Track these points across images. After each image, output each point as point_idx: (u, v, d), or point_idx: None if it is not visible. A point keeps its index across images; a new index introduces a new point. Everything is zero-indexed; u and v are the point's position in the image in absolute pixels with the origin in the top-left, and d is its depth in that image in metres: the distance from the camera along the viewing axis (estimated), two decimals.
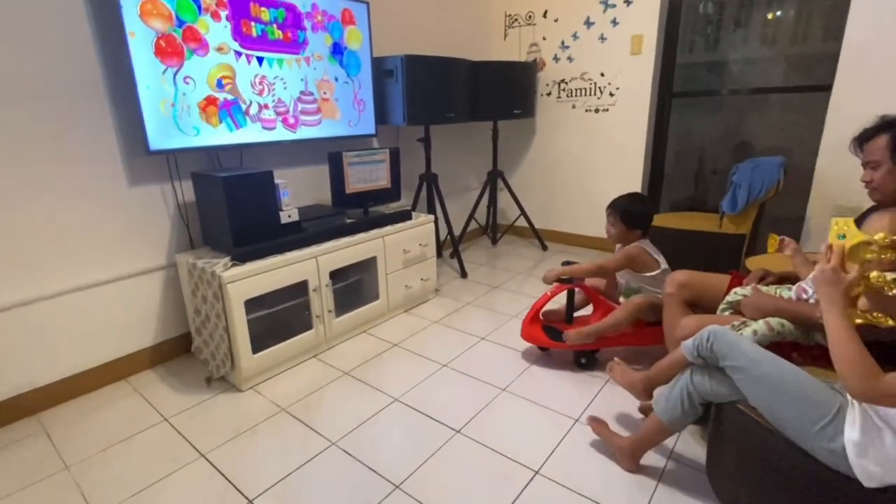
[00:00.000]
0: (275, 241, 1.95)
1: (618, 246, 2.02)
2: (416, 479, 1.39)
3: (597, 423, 1.51)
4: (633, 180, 3.24)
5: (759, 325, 1.24)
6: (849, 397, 0.97)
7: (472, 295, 2.74)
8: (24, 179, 1.63)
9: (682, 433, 1.54)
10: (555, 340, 1.92)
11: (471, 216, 3.51)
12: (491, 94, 3.09)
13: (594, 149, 3.37)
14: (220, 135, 1.98)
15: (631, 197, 1.95)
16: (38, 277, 1.71)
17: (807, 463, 1.01)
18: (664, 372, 1.38)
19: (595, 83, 3.26)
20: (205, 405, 1.78)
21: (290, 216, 2.04)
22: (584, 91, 3.32)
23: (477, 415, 1.67)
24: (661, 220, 2.92)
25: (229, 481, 1.40)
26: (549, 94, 3.48)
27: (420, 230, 2.53)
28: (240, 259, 1.83)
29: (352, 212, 2.38)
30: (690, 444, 1.50)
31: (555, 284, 1.94)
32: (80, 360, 1.85)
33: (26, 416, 1.73)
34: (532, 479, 1.38)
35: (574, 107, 3.39)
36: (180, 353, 2.13)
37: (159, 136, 1.80)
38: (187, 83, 1.84)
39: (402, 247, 2.42)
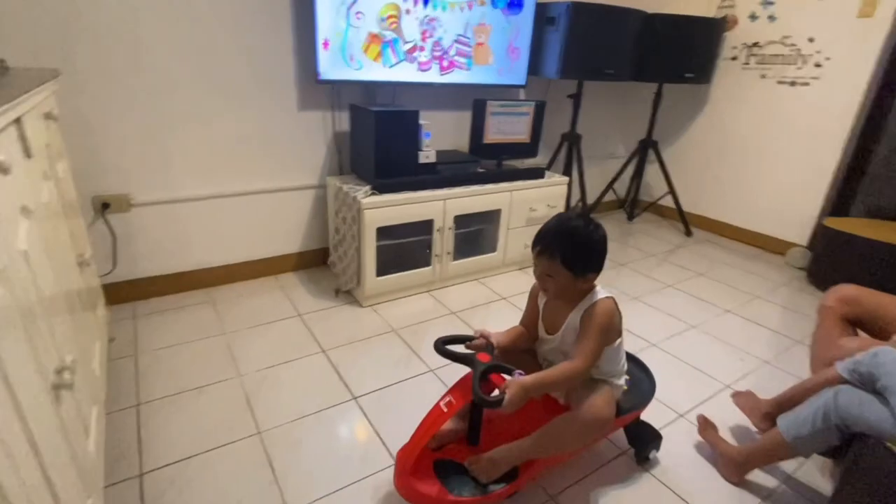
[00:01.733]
0: (411, 179, 2.06)
1: (540, 299, 1.22)
2: None
3: (706, 424, 1.38)
4: (820, 173, 2.71)
5: None
6: None
7: None
8: (222, 98, 1.94)
9: (806, 462, 1.33)
10: (466, 493, 1.06)
11: (609, 185, 3.30)
12: (662, 53, 2.77)
13: (778, 128, 2.86)
14: (378, 71, 2.10)
15: (570, 224, 1.08)
16: (223, 177, 2.05)
17: None
18: (801, 395, 1.19)
19: (798, 50, 2.72)
20: (331, 311, 2.02)
21: (427, 157, 2.13)
22: (781, 58, 2.79)
23: None
24: (850, 225, 2.43)
25: (341, 377, 1.60)
26: (734, 59, 3.00)
27: (551, 191, 2.45)
28: (378, 189, 1.98)
29: (486, 162, 2.39)
30: (814, 476, 1.30)
31: (448, 400, 1.09)
32: (244, 253, 2.21)
33: (201, 287, 2.15)
34: (616, 457, 1.34)
35: (764, 76, 2.88)
36: (318, 263, 2.42)
37: (328, 67, 1.98)
38: (358, 18, 1.97)
39: (528, 204, 2.39)
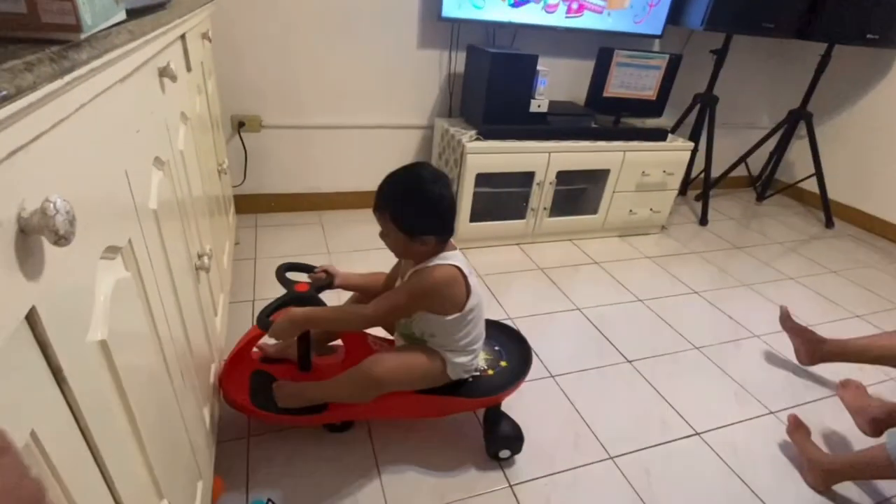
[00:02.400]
0: (518, 127, 2.02)
1: (401, 261, 1.13)
2: (571, 379, 1.44)
3: (797, 425, 1.26)
4: None
5: None
6: None
7: (704, 246, 2.41)
8: (350, 32, 2.02)
9: None
10: (259, 405, 1.09)
11: (742, 159, 2.93)
12: (840, 5, 2.31)
13: None
14: (501, 10, 2.03)
15: (405, 179, 0.99)
16: (343, 110, 2.18)
17: None
18: None
19: None
20: None
21: (539, 106, 2.06)
22: None
23: (656, 356, 1.58)
24: None
25: None
26: None
27: (670, 156, 2.26)
28: (484, 135, 1.98)
29: (601, 117, 2.25)
30: None
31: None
32: (353, 183, 2.37)
33: (313, 209, 2.36)
34: (689, 436, 1.29)
35: None
36: None
37: (451, 4, 1.96)
38: None
39: (642, 168, 2.22)
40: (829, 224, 2.79)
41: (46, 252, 0.35)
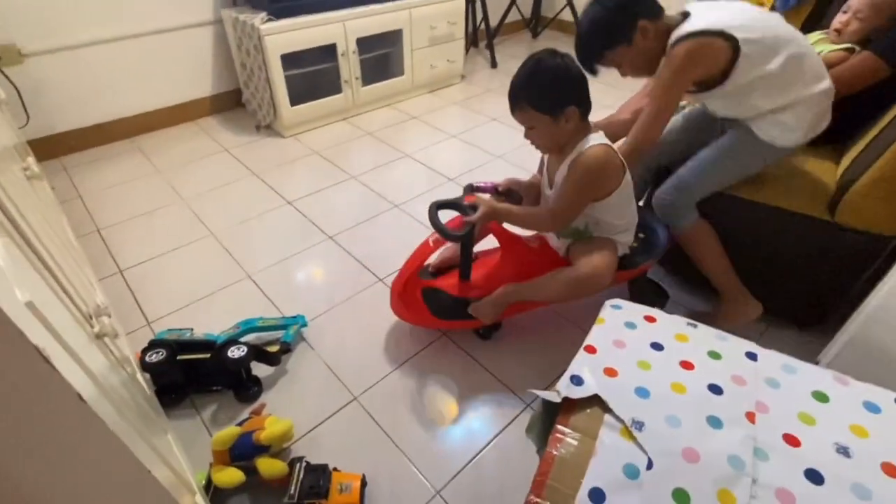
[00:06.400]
0: (305, 1, 2.09)
1: (544, 159, 1.15)
2: (412, 204, 1.80)
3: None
4: None
5: None
6: None
7: (497, 83, 2.85)
8: None
9: None
10: (440, 316, 1.18)
11: (512, 3, 3.35)
12: None
13: None
14: None
15: (527, 65, 0.98)
16: (113, 18, 1.99)
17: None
18: None
19: None
20: (256, 144, 2.21)
21: None
22: None
23: (470, 171, 2.01)
24: None
25: (275, 190, 1.88)
26: None
27: (449, 6, 2.53)
28: (275, 15, 2.02)
29: None
30: None
31: (436, 237, 1.15)
32: (158, 100, 2.25)
33: (120, 139, 2.22)
34: None
35: None
36: (234, 105, 2.50)
37: None
38: None
39: (429, 23, 2.48)
40: None
41: None
